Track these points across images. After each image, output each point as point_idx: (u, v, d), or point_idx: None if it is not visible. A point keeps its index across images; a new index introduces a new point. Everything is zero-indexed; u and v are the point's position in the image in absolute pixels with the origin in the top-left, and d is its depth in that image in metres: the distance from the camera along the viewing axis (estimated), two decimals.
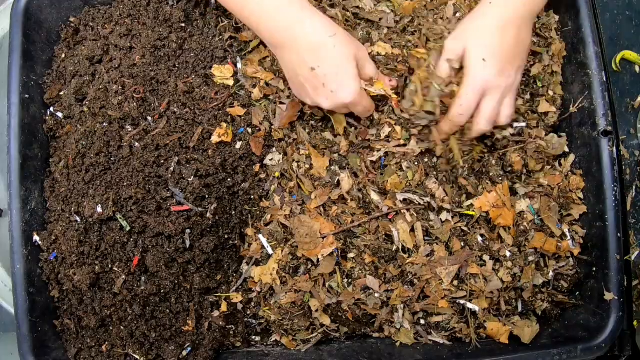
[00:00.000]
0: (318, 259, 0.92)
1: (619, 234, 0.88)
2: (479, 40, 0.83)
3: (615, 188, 0.89)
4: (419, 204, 0.92)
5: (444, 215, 0.93)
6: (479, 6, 0.86)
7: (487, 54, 0.82)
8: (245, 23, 0.88)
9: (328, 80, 0.83)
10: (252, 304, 0.96)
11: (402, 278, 0.92)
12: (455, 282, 0.91)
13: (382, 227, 0.93)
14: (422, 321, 0.93)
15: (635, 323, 0.94)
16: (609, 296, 0.88)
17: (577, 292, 0.94)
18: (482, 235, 0.92)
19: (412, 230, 0.93)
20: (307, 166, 0.96)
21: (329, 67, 0.83)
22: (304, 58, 0.83)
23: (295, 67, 0.85)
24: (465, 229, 0.92)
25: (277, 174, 0.97)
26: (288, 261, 0.93)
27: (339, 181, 0.94)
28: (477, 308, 0.91)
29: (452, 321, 0.93)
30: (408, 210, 0.93)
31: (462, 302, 0.91)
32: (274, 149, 0.98)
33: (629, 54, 1.09)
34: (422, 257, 0.92)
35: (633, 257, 0.97)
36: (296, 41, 0.83)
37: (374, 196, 0.93)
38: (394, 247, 0.92)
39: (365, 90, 0.89)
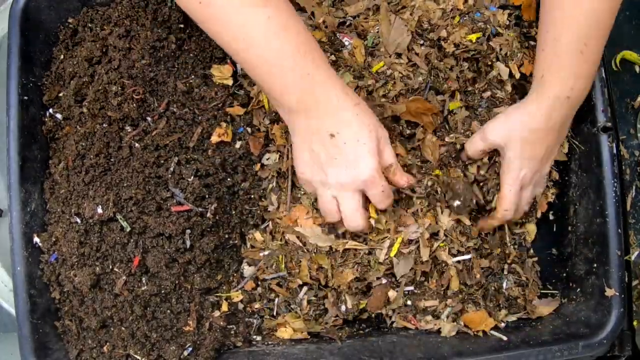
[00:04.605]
0: None
1: (619, 230, 0.88)
2: (521, 145, 0.86)
3: (616, 184, 0.89)
4: None
5: None
6: (531, 96, 0.86)
7: (527, 158, 0.87)
8: (251, 76, 0.81)
9: (347, 149, 0.77)
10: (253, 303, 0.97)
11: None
12: None
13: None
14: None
15: (635, 323, 0.94)
16: (609, 292, 0.88)
17: (578, 289, 0.94)
18: None
19: None
20: None
21: (351, 134, 0.77)
22: (325, 123, 0.78)
23: (313, 132, 0.79)
24: None
25: (274, 173, 0.97)
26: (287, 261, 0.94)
27: None
28: None
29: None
30: None
31: None
32: (271, 148, 0.98)
33: (629, 54, 1.09)
34: None
35: (633, 257, 0.97)
36: (318, 106, 0.77)
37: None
38: None
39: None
